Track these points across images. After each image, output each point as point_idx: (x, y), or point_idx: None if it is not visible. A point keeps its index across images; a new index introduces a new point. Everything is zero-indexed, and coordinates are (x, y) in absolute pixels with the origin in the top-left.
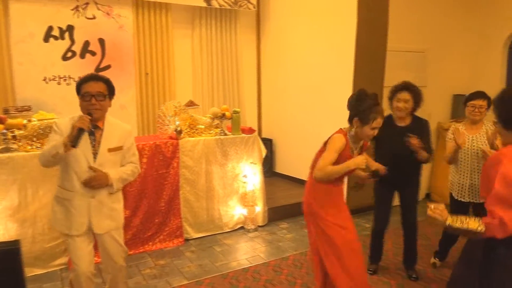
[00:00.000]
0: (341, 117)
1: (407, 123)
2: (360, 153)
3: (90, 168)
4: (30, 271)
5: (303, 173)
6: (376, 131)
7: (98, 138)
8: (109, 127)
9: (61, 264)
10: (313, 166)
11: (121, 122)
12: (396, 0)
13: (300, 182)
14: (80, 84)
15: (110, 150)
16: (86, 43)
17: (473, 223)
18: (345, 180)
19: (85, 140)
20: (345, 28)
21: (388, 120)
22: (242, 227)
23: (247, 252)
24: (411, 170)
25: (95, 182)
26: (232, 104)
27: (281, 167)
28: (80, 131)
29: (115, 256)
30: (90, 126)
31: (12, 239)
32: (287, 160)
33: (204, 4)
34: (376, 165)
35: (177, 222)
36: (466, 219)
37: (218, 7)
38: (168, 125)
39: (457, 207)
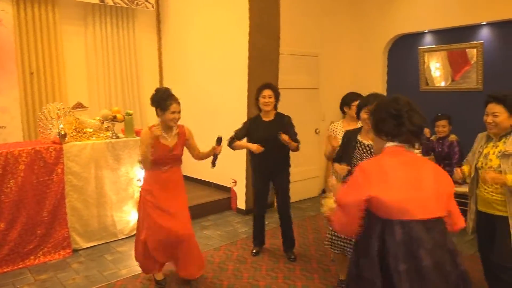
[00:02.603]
0: (238, 118)
1: (271, 118)
2: (178, 140)
3: None
4: None
5: (206, 175)
6: (176, 115)
7: None
8: None
9: None
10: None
11: None
12: (287, 6)
13: (204, 183)
14: None
15: None
16: None
17: (325, 208)
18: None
19: None
20: (239, 31)
21: (257, 117)
22: None
23: None
24: (280, 156)
25: None
26: (133, 105)
27: (185, 169)
28: None
29: None
30: None
31: None
32: (190, 162)
33: (97, 1)
34: (254, 146)
35: (64, 233)
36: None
37: (113, 4)
38: (51, 129)
39: None
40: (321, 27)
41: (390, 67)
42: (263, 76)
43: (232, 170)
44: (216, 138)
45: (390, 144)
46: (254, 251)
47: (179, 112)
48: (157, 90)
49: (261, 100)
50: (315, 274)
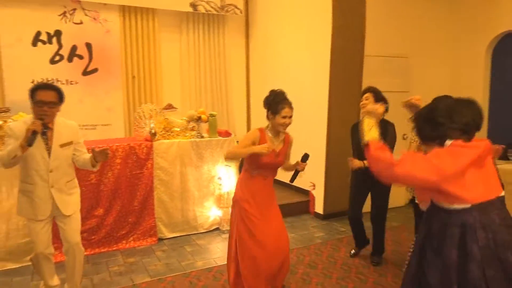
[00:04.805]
0: (318, 122)
1: None
2: (283, 146)
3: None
4: (3, 266)
5: (285, 176)
6: (287, 120)
7: (50, 137)
8: (58, 126)
9: None
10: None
11: (67, 120)
12: (375, 6)
13: (284, 185)
14: (34, 91)
15: (61, 145)
16: (74, 47)
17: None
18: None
19: (39, 140)
20: (321, 33)
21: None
22: (217, 228)
23: (217, 253)
24: None
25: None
26: (221, 107)
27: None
28: (34, 133)
29: (74, 234)
30: (42, 129)
31: None
32: None
33: (190, 9)
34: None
35: (151, 222)
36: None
37: (205, 12)
38: (144, 127)
39: None
40: (412, 26)
41: (495, 68)
42: (345, 79)
43: (312, 174)
44: (303, 154)
45: (448, 143)
46: (353, 251)
47: (290, 117)
48: (271, 92)
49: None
50: None
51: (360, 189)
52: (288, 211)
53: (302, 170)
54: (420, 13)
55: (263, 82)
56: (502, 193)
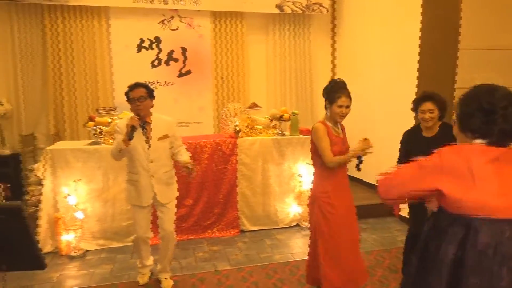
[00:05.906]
0: (405, 121)
1: (434, 132)
2: (343, 133)
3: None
4: (109, 244)
5: (369, 176)
6: (343, 110)
7: (148, 130)
8: (155, 121)
9: None
10: (313, 161)
11: (163, 116)
12: None
13: (368, 185)
14: (128, 92)
15: (159, 138)
16: (171, 52)
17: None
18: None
19: (140, 134)
20: (410, 28)
21: (416, 129)
22: (297, 225)
23: (295, 248)
24: None
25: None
26: (305, 106)
27: (351, 170)
28: (133, 128)
29: (169, 223)
30: (139, 123)
31: (97, 215)
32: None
33: (276, 11)
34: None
35: (234, 214)
36: None
37: (291, 12)
38: (229, 125)
39: None
40: None
41: None
42: (436, 74)
43: None
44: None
45: (478, 142)
46: None
47: (347, 107)
48: (330, 81)
49: (420, 115)
50: None
51: (417, 206)
52: (371, 211)
53: (363, 155)
54: None
55: (349, 81)
56: None
